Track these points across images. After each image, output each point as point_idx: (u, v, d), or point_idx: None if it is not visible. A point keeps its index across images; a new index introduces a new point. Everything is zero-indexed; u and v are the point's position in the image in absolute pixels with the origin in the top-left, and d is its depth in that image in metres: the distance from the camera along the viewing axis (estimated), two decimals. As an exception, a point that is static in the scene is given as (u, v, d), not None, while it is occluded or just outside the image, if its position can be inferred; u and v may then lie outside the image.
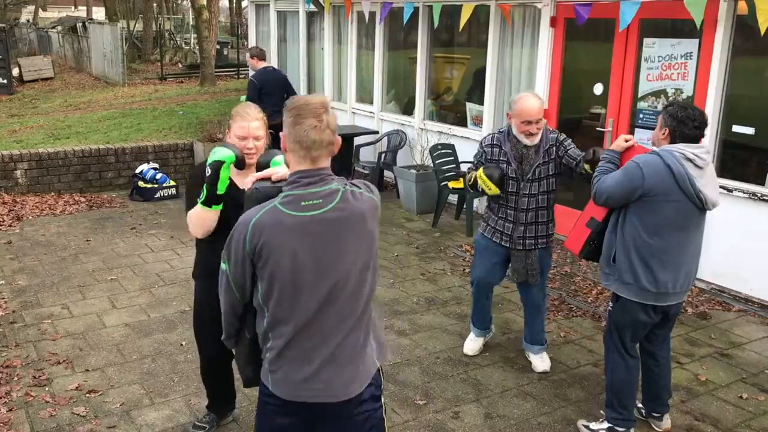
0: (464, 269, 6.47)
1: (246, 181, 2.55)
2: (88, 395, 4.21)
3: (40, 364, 4.56)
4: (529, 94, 4.33)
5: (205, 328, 3.64)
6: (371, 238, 2.35)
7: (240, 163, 3.19)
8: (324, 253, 2.25)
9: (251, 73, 8.75)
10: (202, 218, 3.23)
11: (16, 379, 4.37)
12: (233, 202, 3.17)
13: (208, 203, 3.18)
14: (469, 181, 4.49)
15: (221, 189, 3.16)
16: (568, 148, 4.31)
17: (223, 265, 2.37)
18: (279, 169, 2.53)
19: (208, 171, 3.12)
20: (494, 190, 4.33)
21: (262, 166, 3.07)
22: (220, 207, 3.21)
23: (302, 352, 2.31)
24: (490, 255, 4.58)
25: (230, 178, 3.23)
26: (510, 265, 4.57)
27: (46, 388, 4.27)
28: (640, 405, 4.01)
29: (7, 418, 3.93)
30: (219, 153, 3.13)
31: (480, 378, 4.53)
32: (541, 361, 4.66)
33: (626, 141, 3.80)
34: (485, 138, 4.52)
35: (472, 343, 4.88)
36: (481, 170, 4.36)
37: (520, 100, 4.27)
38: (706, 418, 4.12)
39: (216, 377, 3.81)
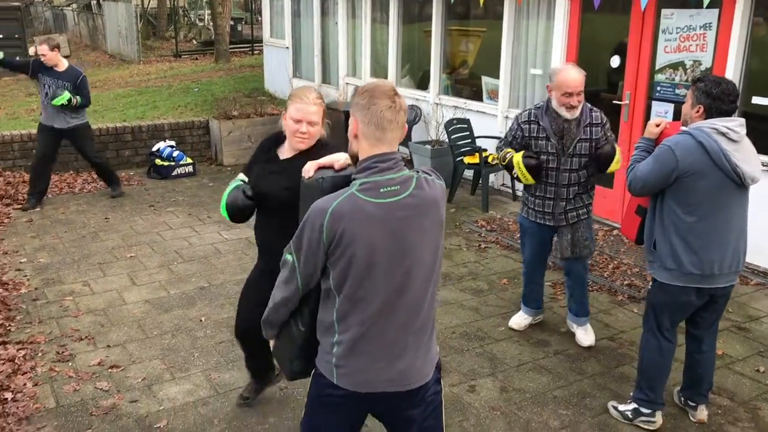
0: (480, 245, 6.48)
1: (305, 169, 2.47)
2: (110, 370, 4.29)
3: (62, 340, 4.65)
4: (570, 65, 4.25)
5: (247, 289, 3.69)
6: (441, 224, 2.34)
7: (237, 212, 3.27)
8: (402, 240, 2.23)
9: (75, 68, 7.44)
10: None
11: (40, 354, 4.46)
12: (276, 177, 3.26)
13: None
14: (503, 160, 4.39)
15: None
16: (609, 138, 4.28)
17: (288, 257, 2.31)
18: (339, 156, 2.48)
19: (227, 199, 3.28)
20: (529, 180, 4.28)
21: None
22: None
23: (377, 341, 2.28)
24: (536, 236, 4.58)
25: (277, 154, 3.35)
26: (555, 241, 4.54)
27: (70, 364, 4.36)
28: (678, 391, 3.96)
29: (33, 392, 4.02)
30: (226, 198, 3.25)
31: (496, 352, 4.56)
32: (585, 335, 4.64)
33: (657, 126, 3.65)
34: (521, 114, 4.43)
35: (520, 319, 4.87)
36: (519, 156, 4.26)
37: (561, 72, 4.20)
38: (722, 391, 4.13)
39: (253, 349, 3.74)
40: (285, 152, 3.34)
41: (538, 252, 4.65)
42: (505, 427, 3.78)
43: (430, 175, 2.34)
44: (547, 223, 4.46)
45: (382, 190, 2.20)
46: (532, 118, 4.34)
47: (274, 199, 3.25)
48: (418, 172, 2.31)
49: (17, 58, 7.49)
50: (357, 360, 2.29)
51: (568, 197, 4.37)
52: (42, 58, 7.25)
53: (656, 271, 3.58)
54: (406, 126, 2.30)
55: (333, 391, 2.34)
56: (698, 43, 6.03)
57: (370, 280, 2.22)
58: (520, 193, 7.71)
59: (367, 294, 2.23)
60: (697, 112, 3.39)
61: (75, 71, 7.40)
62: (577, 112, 4.22)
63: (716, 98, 3.33)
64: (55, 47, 7.33)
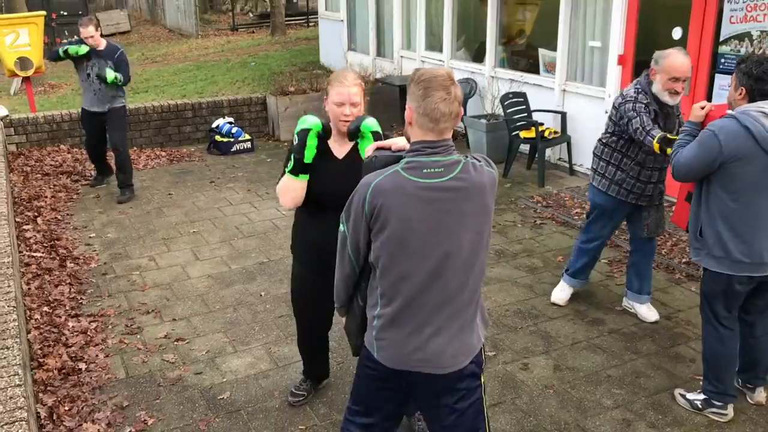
0: (535, 221, 6.46)
1: (366, 149, 2.64)
2: (176, 343, 4.49)
3: (131, 314, 4.88)
4: (679, 50, 4.14)
5: (303, 300, 3.69)
6: (487, 213, 2.36)
7: (327, 133, 3.23)
8: (439, 222, 2.28)
9: (113, 43, 7.08)
10: (289, 187, 3.24)
11: (110, 327, 4.70)
12: (330, 172, 3.24)
13: (294, 172, 3.19)
14: (665, 142, 4.06)
15: (308, 158, 3.17)
16: (682, 122, 4.25)
17: (341, 227, 2.44)
18: (398, 140, 2.60)
19: (296, 139, 3.17)
20: None
21: (352, 131, 3.15)
22: (307, 177, 3.23)
23: (412, 321, 2.36)
24: (618, 216, 4.62)
25: (328, 145, 3.29)
26: (644, 221, 4.57)
27: (138, 336, 4.58)
28: (735, 373, 3.84)
29: (104, 363, 4.25)
30: (306, 121, 3.17)
31: (550, 330, 4.59)
32: (649, 311, 4.70)
33: (702, 108, 3.57)
34: (637, 97, 4.16)
35: (564, 293, 4.93)
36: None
37: (671, 56, 4.11)
38: (782, 373, 4.07)
39: (313, 348, 3.84)
40: (334, 140, 3.32)
41: (612, 230, 4.73)
42: (557, 405, 3.82)
43: (480, 161, 2.37)
44: (640, 203, 4.48)
45: (425, 170, 2.27)
46: (648, 100, 4.19)
47: (332, 197, 3.18)
48: (467, 157, 2.34)
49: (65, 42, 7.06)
50: (393, 334, 2.39)
51: (661, 179, 4.45)
52: (90, 41, 6.81)
53: (703, 259, 3.52)
54: (462, 111, 2.33)
55: (373, 365, 2.47)
56: (766, 13, 5.81)
57: (403, 257, 2.30)
58: (580, 168, 7.63)
59: (402, 271, 2.31)
60: (740, 94, 3.31)
61: (113, 47, 7.01)
62: (678, 99, 4.17)
63: (758, 79, 3.23)
64: (97, 26, 6.96)
